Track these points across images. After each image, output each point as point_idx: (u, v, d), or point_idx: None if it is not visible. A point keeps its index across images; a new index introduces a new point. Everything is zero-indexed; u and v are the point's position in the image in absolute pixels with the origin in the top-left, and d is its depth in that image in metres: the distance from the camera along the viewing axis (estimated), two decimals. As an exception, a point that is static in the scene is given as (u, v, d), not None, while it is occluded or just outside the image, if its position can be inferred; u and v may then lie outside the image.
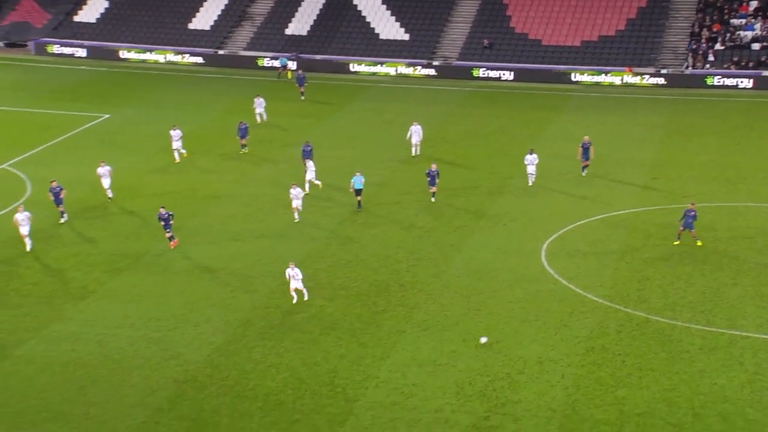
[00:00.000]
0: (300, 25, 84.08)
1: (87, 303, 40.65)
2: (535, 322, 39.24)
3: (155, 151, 59.57)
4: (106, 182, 50.80)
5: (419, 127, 58.56)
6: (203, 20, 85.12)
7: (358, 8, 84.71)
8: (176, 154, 56.58)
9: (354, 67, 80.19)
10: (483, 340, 35.02)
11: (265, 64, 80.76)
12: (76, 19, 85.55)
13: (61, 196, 48.18)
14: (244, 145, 58.84)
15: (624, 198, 52.25)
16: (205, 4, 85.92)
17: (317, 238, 47.13)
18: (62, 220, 48.34)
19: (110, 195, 50.97)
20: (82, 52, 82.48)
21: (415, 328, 38.77)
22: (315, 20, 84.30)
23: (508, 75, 78.35)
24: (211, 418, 33.09)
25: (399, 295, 41.57)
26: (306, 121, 66.80)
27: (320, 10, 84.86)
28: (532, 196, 52.17)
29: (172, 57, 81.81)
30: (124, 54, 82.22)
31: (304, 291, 40.85)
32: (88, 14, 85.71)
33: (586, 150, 54.49)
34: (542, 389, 34.57)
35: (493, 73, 78.56)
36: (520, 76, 78.05)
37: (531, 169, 53.20)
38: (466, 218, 49.73)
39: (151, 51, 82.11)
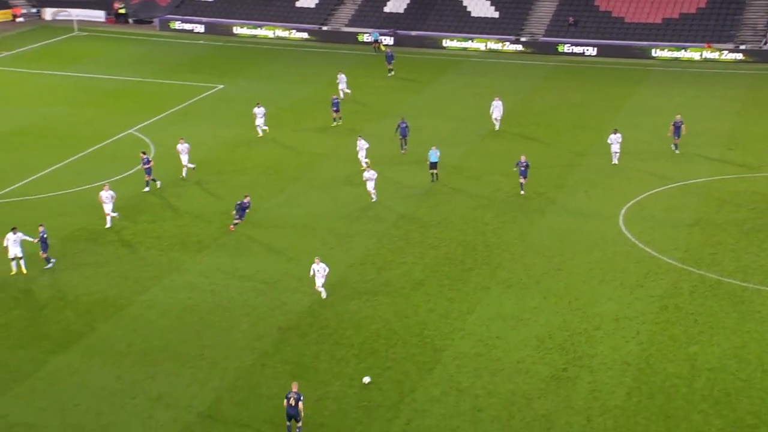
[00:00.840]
0: (398, 3, 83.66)
1: (202, 256, 41.32)
2: (612, 282, 38.77)
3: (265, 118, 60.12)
4: (184, 158, 49.19)
5: (500, 102, 57.70)
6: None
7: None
8: (259, 130, 55.76)
9: (446, 43, 79.60)
10: (366, 380, 32.05)
11: (365, 40, 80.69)
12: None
13: (149, 167, 47.48)
14: (337, 118, 58.49)
15: (700, 167, 51.13)
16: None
17: (409, 202, 47.11)
18: (147, 190, 47.71)
19: (191, 166, 49.66)
20: (200, 28, 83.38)
21: (499, 286, 38.61)
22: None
23: (591, 50, 76.96)
24: (311, 363, 33.47)
25: (484, 254, 41.40)
26: (400, 94, 66.60)
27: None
28: (611, 165, 51.33)
29: (280, 33, 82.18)
30: (237, 30, 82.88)
31: (322, 290, 37.88)
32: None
33: (677, 128, 53.06)
34: (617, 344, 34.20)
35: (577, 49, 77.28)
36: (603, 51, 76.60)
37: (615, 148, 51.34)
38: (549, 185, 49.20)
39: (261, 27, 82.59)
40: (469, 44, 79.16)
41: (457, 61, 75.72)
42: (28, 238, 39.07)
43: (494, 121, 57.65)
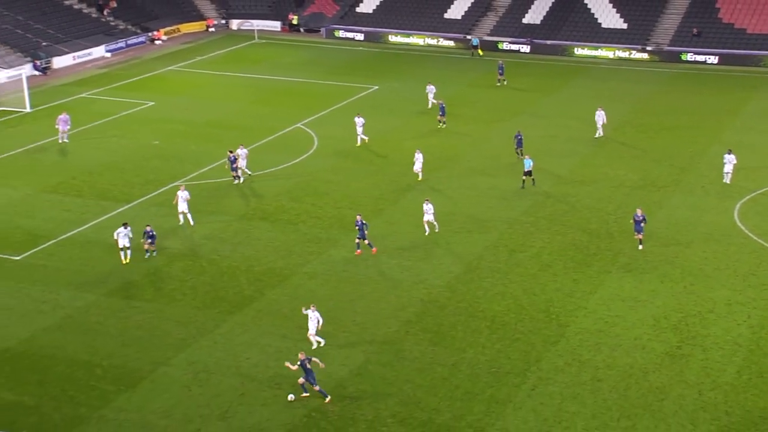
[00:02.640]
0: (535, 15, 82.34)
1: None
2: (726, 270, 37.33)
3: (412, 116, 60.26)
4: (242, 163, 46.85)
5: (602, 111, 54.57)
6: (456, 11, 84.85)
7: (585, 1, 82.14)
8: (358, 139, 54.03)
9: (577, 51, 77.93)
10: (290, 397, 29.82)
11: (504, 48, 79.81)
12: (358, 10, 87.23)
13: (235, 165, 47.01)
14: (442, 122, 56.90)
15: (812, 167, 48.62)
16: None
17: (539, 193, 46.46)
18: (236, 182, 46.95)
19: (248, 172, 47.55)
20: (360, 36, 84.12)
21: (619, 270, 37.70)
22: (548, 11, 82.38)
23: (712, 59, 73.94)
24: (449, 332, 33.46)
25: (607, 241, 40.48)
26: (532, 95, 65.60)
27: (553, 2, 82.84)
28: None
29: (429, 40, 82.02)
30: (391, 38, 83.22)
31: (435, 224, 40.77)
32: (367, 6, 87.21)
33: None
34: (729, 326, 32.93)
35: (699, 57, 74.39)
36: (724, 60, 73.45)
37: (728, 168, 46.56)
38: (668, 179, 47.67)
39: (412, 35, 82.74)
40: (598, 52, 77.30)
41: (587, 67, 74.05)
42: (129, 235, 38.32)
43: (598, 128, 54.81)
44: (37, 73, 68.94)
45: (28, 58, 70.13)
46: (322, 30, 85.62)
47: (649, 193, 45.90)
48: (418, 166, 47.50)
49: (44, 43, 72.88)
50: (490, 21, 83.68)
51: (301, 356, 29.14)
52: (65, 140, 53.07)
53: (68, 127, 53.26)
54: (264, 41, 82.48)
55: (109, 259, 38.67)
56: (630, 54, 76.38)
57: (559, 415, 28.52)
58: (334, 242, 40.85)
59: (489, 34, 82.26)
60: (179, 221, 42.19)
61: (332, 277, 37.72)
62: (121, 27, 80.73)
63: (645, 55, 76.23)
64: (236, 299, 35.81)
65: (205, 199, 45.38)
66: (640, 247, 39.23)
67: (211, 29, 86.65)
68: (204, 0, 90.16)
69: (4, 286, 36.29)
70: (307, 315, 32.21)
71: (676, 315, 34.00)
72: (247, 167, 47.99)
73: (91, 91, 64.89)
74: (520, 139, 50.50)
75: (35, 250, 39.44)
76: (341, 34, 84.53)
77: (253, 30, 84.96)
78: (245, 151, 48.19)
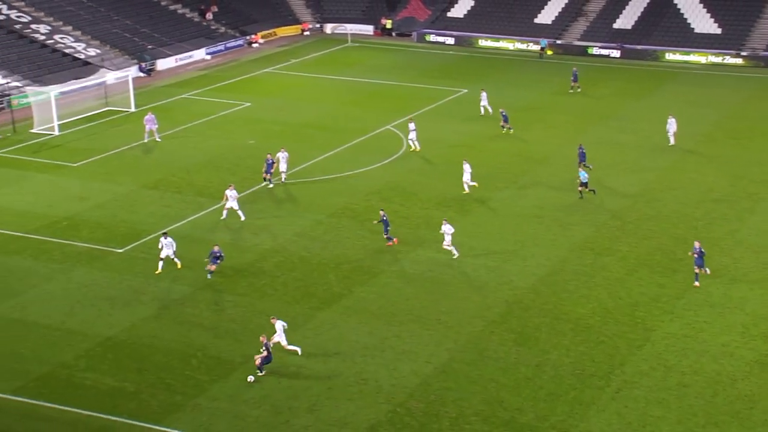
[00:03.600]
0: (626, 20, 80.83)
1: (442, 235, 41.63)
2: (818, 279, 36.00)
3: (499, 119, 59.86)
4: (283, 166, 46.16)
5: (674, 119, 52.97)
6: (546, 16, 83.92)
7: (678, 6, 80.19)
8: (411, 143, 53.27)
9: (668, 56, 76.19)
10: (250, 378, 30.04)
11: (594, 53, 78.57)
12: (449, 14, 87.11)
13: (272, 170, 46.82)
14: (507, 128, 55.90)
15: None
16: (549, 3, 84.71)
17: (627, 195, 45.62)
18: (270, 185, 46.83)
19: (283, 176, 46.79)
20: (450, 41, 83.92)
21: (707, 276, 36.67)
22: (639, 16, 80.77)
23: (809, 64, 71.54)
24: (533, 333, 33.15)
25: (695, 247, 39.46)
26: (622, 100, 64.41)
27: (644, 7, 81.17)
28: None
29: (519, 45, 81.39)
30: (481, 42, 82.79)
31: (453, 249, 38.43)
32: (458, 11, 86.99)
33: None
34: (820, 337, 31.77)
35: (794, 63, 72.01)
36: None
37: None
38: (760, 186, 46.22)
39: (502, 40, 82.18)
40: (690, 57, 75.44)
41: (678, 73, 72.35)
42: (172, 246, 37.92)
43: (669, 137, 52.95)
44: (142, 74, 70.89)
45: (135, 61, 72.17)
46: (414, 34, 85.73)
47: (739, 200, 44.60)
48: (466, 177, 46.07)
49: (149, 46, 74.89)
50: (580, 26, 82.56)
51: (262, 339, 30.30)
52: (157, 139, 54.48)
53: (156, 126, 54.57)
54: (357, 45, 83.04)
55: (203, 254, 39.47)
56: (723, 59, 74.38)
57: (643, 419, 27.97)
58: (422, 242, 40.86)
59: (579, 39, 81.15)
60: (222, 216, 42.67)
61: (418, 276, 37.75)
62: (221, 31, 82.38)
63: (739, 61, 74.09)
64: (325, 296, 36.15)
65: (297, 198, 45.97)
66: (696, 283, 35.75)
67: (306, 33, 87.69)
68: (300, 5, 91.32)
69: (108, 277, 37.43)
70: (275, 327, 31.49)
71: (766, 323, 32.95)
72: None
73: (191, 92, 66.40)
74: (583, 153, 48.12)
75: (137, 243, 40.57)
76: (432, 38, 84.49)
77: (347, 34, 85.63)
78: (286, 154, 47.94)
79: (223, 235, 41.35)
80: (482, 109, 59.74)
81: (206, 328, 33.62)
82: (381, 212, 40.70)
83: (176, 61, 75.08)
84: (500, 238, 41.21)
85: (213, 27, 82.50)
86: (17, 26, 70.37)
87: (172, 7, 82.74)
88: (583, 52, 78.95)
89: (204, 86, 67.80)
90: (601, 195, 45.52)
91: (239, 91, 66.74)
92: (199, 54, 77.36)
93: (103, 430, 27.88)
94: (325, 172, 49.87)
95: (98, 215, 43.52)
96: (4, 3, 72.25)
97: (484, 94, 60.18)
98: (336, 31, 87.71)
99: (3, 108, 60.37)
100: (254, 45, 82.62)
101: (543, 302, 35.33)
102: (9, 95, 60.86)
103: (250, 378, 30.08)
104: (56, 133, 55.74)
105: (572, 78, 66.73)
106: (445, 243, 38.59)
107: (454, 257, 38.56)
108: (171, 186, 47.42)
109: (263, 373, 30.23)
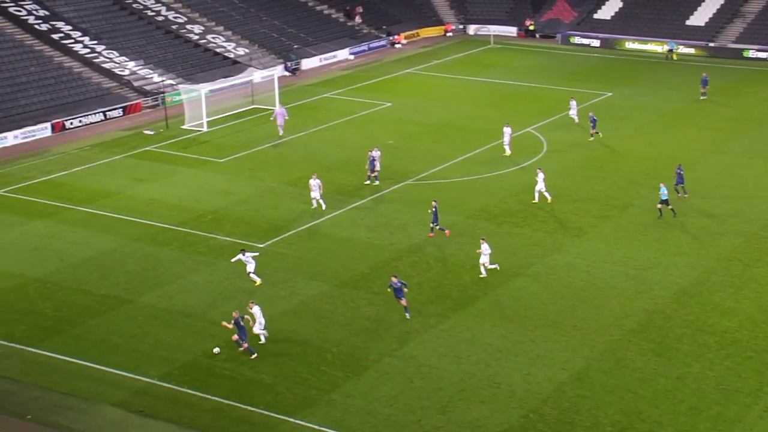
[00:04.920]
0: (787, 20, 77.15)
1: (580, 240, 40.95)
2: None
3: (645, 123, 58.23)
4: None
5: None
6: (699, 17, 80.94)
7: None
8: (507, 148, 52.13)
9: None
10: (216, 350, 30.85)
11: (750, 56, 75.21)
12: (595, 16, 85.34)
13: (376, 168, 47.19)
14: (594, 134, 54.25)
15: None
16: (703, 4, 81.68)
17: (782, 205, 43.54)
18: (374, 182, 47.16)
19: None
20: (595, 43, 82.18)
21: None
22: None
23: None
24: (674, 344, 32.05)
25: None
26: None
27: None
28: None
29: (667, 47, 78.83)
30: (628, 44, 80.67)
31: (484, 268, 37.03)
32: (605, 12, 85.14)
33: None
34: None
35: None
36: None
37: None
38: None
39: (650, 42, 79.81)
40: None
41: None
42: (251, 261, 37.75)
43: None
44: (287, 73, 72.70)
45: (281, 60, 74.09)
46: (558, 36, 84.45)
47: None
48: (540, 186, 44.63)
49: (295, 46, 76.73)
50: (736, 28, 79.19)
51: (234, 315, 31.46)
52: (280, 132, 55.93)
53: (283, 120, 56.03)
54: (499, 46, 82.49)
55: (342, 251, 40.12)
56: None
57: (790, 442, 26.61)
58: (559, 246, 40.20)
59: (734, 42, 77.88)
60: (312, 205, 43.94)
61: (555, 281, 37.15)
62: (364, 31, 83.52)
63: None
64: (460, 297, 36.07)
65: (435, 199, 45.99)
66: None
67: (448, 34, 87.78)
68: (444, 6, 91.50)
69: (249, 270, 38.54)
70: (252, 313, 32.41)
71: None
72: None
73: (333, 91, 67.60)
74: (680, 175, 45.09)
75: (277, 239, 41.62)
76: (577, 40, 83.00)
77: (489, 35, 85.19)
78: (378, 153, 48.26)
79: (360, 233, 41.90)
80: (576, 118, 57.76)
81: (342, 324, 34.13)
82: (434, 203, 40.89)
83: (320, 61, 76.61)
84: (641, 246, 40.04)
85: (357, 27, 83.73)
86: (174, 27, 73.51)
87: (318, 8, 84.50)
88: (738, 55, 75.75)
89: (346, 86, 68.90)
90: (752, 203, 43.51)
91: (380, 91, 67.47)
92: (343, 54, 78.65)
93: (241, 419, 28.72)
94: (463, 173, 49.76)
95: (241, 210, 44.90)
96: (163, 5, 75.63)
97: (573, 103, 58.33)
98: (479, 33, 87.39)
99: (158, 104, 63.18)
100: (397, 45, 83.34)
101: (686, 313, 34.10)
102: (164, 92, 63.64)
103: (216, 349, 31.68)
104: (205, 129, 57.89)
105: (702, 84, 63.99)
106: (481, 261, 37.30)
107: (481, 276, 37.11)
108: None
109: (245, 346, 31.61)
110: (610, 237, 41.02)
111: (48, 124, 57.98)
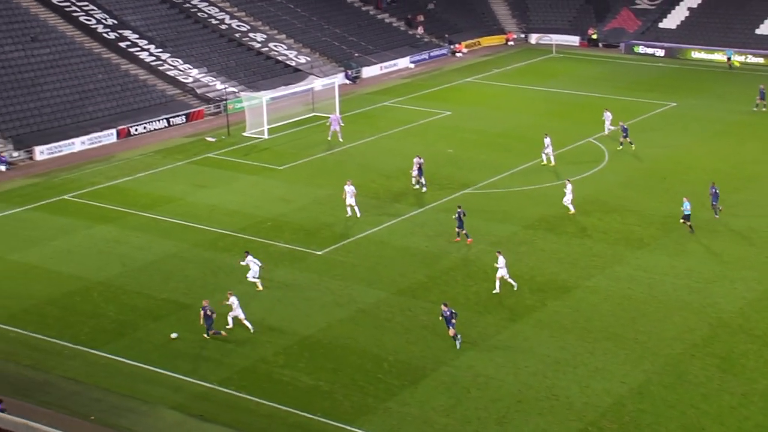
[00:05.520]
0: None
1: (642, 252, 40.40)
2: None
3: (709, 135, 57.28)
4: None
5: None
6: (769, 26, 79.58)
7: None
8: (551, 158, 51.62)
9: None
10: (173, 335, 31.70)
11: (819, 65, 73.63)
12: (660, 25, 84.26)
13: (421, 170, 47.73)
14: (626, 143, 53.52)
15: None
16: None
17: None
18: (423, 189, 47.53)
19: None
20: (660, 52, 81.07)
21: None
22: None
23: None
24: (739, 360, 31.43)
25: None
26: None
27: None
28: None
29: (736, 57, 77.43)
30: (694, 54, 79.46)
31: (511, 282, 36.77)
32: (671, 21, 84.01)
33: None
34: None
35: None
36: None
37: None
38: None
39: (717, 52, 78.49)
40: None
41: None
42: (257, 262, 37.97)
43: None
44: (347, 81, 73.16)
45: (342, 68, 74.61)
46: (621, 45, 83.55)
47: None
48: (567, 198, 44.16)
49: (356, 54, 77.20)
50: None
51: (204, 303, 33.27)
52: (340, 139, 56.51)
53: (338, 126, 56.77)
54: (561, 55, 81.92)
55: (399, 260, 40.19)
56: None
57: None
58: (620, 258, 39.73)
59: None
60: (347, 213, 44.17)
61: (615, 293, 36.71)
62: (425, 40, 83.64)
63: None
64: (518, 308, 35.85)
65: (493, 208, 45.87)
66: None
67: (510, 43, 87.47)
68: (506, 15, 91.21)
69: (308, 278, 38.83)
70: (229, 305, 33.93)
71: None
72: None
73: (393, 99, 67.82)
74: (716, 193, 43.73)
75: (335, 246, 41.86)
76: (641, 49, 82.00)
77: (551, 44, 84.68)
78: (421, 160, 48.58)
79: (418, 241, 41.93)
80: (606, 129, 56.97)
81: (399, 333, 34.18)
82: (459, 208, 41.33)
83: (381, 69, 76.94)
84: (705, 259, 39.36)
85: (418, 36, 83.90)
86: (237, 35, 74.55)
87: (380, 16, 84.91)
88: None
89: (406, 94, 69.06)
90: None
91: (440, 99, 67.49)
92: (403, 62, 78.86)
93: (298, 426, 28.92)
94: (523, 182, 49.49)
95: (300, 217, 45.28)
96: (226, 13, 76.76)
97: (608, 114, 57.36)
98: (540, 42, 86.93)
99: (220, 112, 64.11)
100: (458, 54, 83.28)
101: (752, 327, 33.41)
102: (226, 100, 64.56)
103: (174, 335, 33.40)
104: (265, 136, 58.54)
105: (759, 95, 62.58)
106: (498, 275, 36.83)
107: (514, 287, 36.85)
108: (369, 191, 48.51)
109: (211, 333, 33.32)
110: (673, 249, 40.40)
111: (114, 131, 59.23)
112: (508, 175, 50.68)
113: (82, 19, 68.82)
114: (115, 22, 69.84)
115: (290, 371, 31.77)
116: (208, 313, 33.38)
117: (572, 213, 44.28)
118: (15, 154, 55.08)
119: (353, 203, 44.52)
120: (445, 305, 33.03)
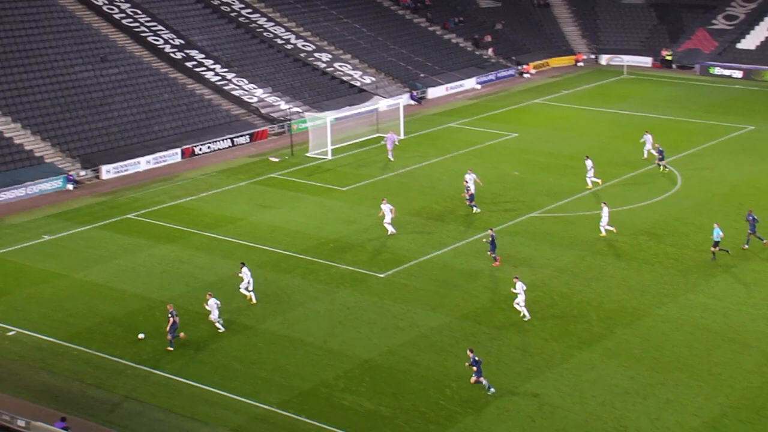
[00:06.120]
0: None
1: (716, 280, 39.50)
2: None
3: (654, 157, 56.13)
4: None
5: None
6: None
7: None
8: (589, 182, 51.11)
9: None
10: (141, 336, 34.75)
11: None
12: (738, 46, 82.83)
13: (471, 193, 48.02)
14: (663, 165, 53.01)
15: None
16: None
17: None
18: (475, 210, 47.90)
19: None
20: (737, 74, 79.61)
21: None
22: None
23: None
24: (818, 396, 30.36)
25: None
26: None
27: None
28: None
29: (817, 78, 75.73)
30: (773, 75, 78.05)
31: (524, 311, 36.29)
32: (749, 42, 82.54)
33: None
34: None
35: None
36: None
37: None
38: None
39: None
40: None
41: None
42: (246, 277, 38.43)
43: None
44: (413, 102, 73.32)
45: (407, 89, 74.82)
46: (696, 66, 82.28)
47: None
48: (605, 220, 43.96)
49: (422, 75, 77.37)
50: None
51: (169, 308, 34.71)
52: (390, 158, 56.77)
53: (393, 145, 57.49)
54: (632, 77, 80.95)
55: (463, 284, 39.91)
56: None
57: None
58: (693, 286, 38.86)
59: None
60: (388, 231, 44.92)
61: (688, 322, 35.88)
62: (492, 60, 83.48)
63: None
64: (585, 335, 35.28)
65: (560, 232, 45.35)
66: None
67: (579, 64, 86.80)
68: (576, 35, 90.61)
69: (370, 301, 38.81)
70: (207, 307, 35.52)
71: None
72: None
73: (459, 120, 67.71)
74: (754, 220, 42.34)
75: (398, 269, 41.78)
76: (717, 71, 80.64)
77: (623, 65, 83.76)
78: (473, 176, 48.76)
79: (482, 265, 41.62)
80: (645, 153, 56.12)
81: (462, 358, 33.83)
82: (490, 232, 41.50)
83: (447, 90, 76.94)
84: (784, 288, 38.27)
85: (485, 57, 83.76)
86: (302, 54, 75.38)
87: (446, 37, 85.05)
88: None
89: (472, 115, 68.90)
90: None
91: (507, 121, 67.16)
92: (470, 83, 78.78)
93: (357, 450, 28.81)
94: (591, 207, 48.83)
95: (363, 239, 45.34)
96: (292, 33, 77.73)
97: (648, 137, 56.39)
98: (611, 63, 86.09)
99: (284, 132, 64.76)
100: (525, 75, 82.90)
101: (831, 362, 32.31)
102: (290, 120, 65.21)
103: (141, 335, 35.13)
104: (329, 157, 58.88)
105: None
106: (516, 301, 36.22)
107: (525, 319, 36.22)
108: (433, 214, 48.42)
109: (173, 337, 34.65)
110: (750, 278, 39.39)
111: (178, 150, 60.22)
112: (575, 199, 50.07)
113: (150, 39, 70.32)
114: (183, 42, 71.21)
115: (351, 395, 31.70)
116: (174, 318, 34.68)
117: (603, 236, 44.04)
118: (82, 173, 56.36)
119: (389, 221, 44.98)
120: (471, 351, 31.94)
